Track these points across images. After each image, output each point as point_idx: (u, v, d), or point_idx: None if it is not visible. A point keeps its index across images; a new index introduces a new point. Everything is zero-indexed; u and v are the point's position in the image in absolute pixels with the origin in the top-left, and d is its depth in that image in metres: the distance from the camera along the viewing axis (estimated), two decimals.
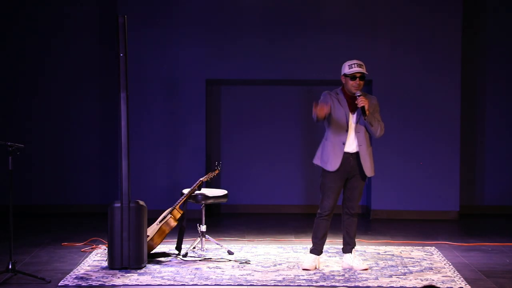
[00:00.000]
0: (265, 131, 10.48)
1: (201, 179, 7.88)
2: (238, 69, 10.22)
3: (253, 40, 10.15)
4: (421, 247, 8.32)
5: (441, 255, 7.93)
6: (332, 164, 7.18)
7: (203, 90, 10.22)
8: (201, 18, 10.15)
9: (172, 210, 7.80)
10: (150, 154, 10.19)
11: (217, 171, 7.97)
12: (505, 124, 10.58)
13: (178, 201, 7.85)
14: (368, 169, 7.24)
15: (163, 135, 10.21)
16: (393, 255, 7.93)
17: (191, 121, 10.22)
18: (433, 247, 8.31)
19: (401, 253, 8.04)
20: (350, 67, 7.16)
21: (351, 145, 7.20)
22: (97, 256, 7.81)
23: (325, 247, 7.54)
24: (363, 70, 7.16)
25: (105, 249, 7.85)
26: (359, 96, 7.11)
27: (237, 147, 10.53)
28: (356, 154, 7.18)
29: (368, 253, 8.00)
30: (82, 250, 8.14)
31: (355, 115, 7.18)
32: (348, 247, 7.35)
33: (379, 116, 7.24)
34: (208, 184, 8.90)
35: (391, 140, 10.14)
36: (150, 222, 7.73)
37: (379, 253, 8.00)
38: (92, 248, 8.15)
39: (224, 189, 8.69)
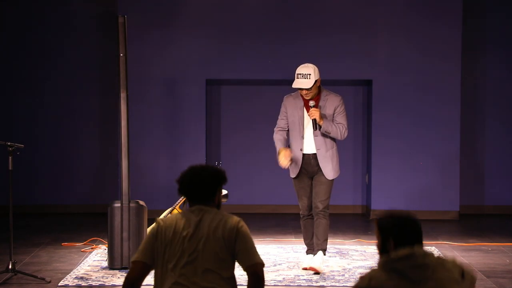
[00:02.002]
0: (265, 131, 10.46)
1: None
2: (238, 69, 10.22)
3: (253, 40, 10.15)
4: None
5: (441, 255, 7.92)
6: (293, 170, 7.21)
7: (203, 90, 10.22)
8: (201, 18, 10.15)
9: (172, 210, 7.80)
10: (150, 154, 10.19)
11: None
12: (505, 124, 10.59)
13: (178, 201, 7.85)
14: (329, 172, 7.12)
15: (163, 135, 10.22)
16: None
17: (191, 121, 10.22)
18: (433, 247, 8.31)
19: None
20: (295, 79, 7.08)
21: (309, 146, 7.14)
22: (97, 256, 7.81)
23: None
24: (304, 84, 7.03)
25: (105, 249, 7.85)
26: (312, 107, 7.04)
27: (237, 147, 10.53)
28: (316, 155, 7.12)
29: (368, 253, 8.00)
30: (82, 250, 8.14)
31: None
32: (315, 249, 7.21)
33: (341, 119, 7.11)
34: None
35: (391, 140, 10.14)
36: (150, 222, 7.73)
37: None
38: (92, 248, 8.15)
39: (224, 189, 8.68)
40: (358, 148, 10.54)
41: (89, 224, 9.61)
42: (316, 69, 7.19)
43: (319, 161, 7.11)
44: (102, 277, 7.00)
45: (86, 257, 7.79)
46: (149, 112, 10.19)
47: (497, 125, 10.60)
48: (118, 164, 8.73)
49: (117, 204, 7.23)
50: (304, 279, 6.95)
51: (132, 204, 7.22)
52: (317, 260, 7.12)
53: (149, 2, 10.14)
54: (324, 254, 7.19)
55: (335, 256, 7.82)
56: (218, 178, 4.21)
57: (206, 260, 4.06)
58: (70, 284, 6.76)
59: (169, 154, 10.16)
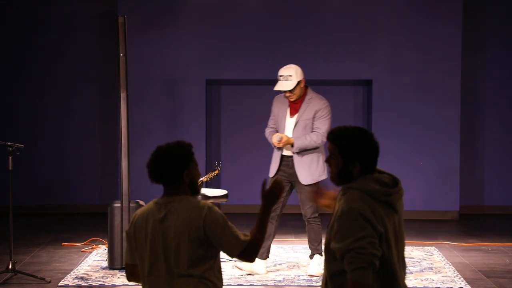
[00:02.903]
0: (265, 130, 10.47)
1: (201, 179, 7.87)
2: (238, 69, 10.22)
3: (253, 40, 10.15)
4: (421, 247, 8.32)
5: (441, 255, 7.93)
6: (271, 169, 7.18)
7: (203, 90, 10.22)
8: (201, 18, 10.15)
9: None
10: (150, 154, 10.17)
11: (217, 171, 7.96)
12: (505, 124, 10.58)
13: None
14: (304, 177, 7.00)
15: (163, 135, 10.20)
16: None
17: (191, 121, 10.22)
18: (433, 247, 8.31)
19: None
20: (277, 81, 7.03)
21: (289, 149, 7.08)
22: (97, 256, 7.81)
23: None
24: (285, 86, 6.99)
25: (105, 249, 7.85)
26: (277, 141, 7.01)
27: (237, 147, 10.53)
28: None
29: None
30: (82, 250, 8.14)
31: (293, 119, 7.07)
32: (311, 253, 7.19)
33: (320, 123, 7.01)
34: (208, 184, 8.90)
35: (391, 140, 10.14)
36: None
37: None
38: (92, 248, 8.15)
39: (224, 189, 8.68)
40: None
41: (89, 224, 9.61)
42: (299, 70, 7.09)
43: (294, 165, 7.03)
44: (102, 277, 7.00)
45: (86, 257, 7.79)
46: (149, 112, 10.19)
47: (497, 125, 10.59)
48: (118, 164, 8.73)
49: (117, 204, 7.23)
50: (304, 279, 6.95)
51: (132, 204, 7.22)
52: (313, 265, 7.11)
53: (149, 2, 10.14)
54: (321, 255, 7.14)
55: None
56: (180, 157, 3.89)
57: (174, 264, 3.81)
58: (70, 284, 6.76)
59: None
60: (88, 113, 10.54)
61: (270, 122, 7.33)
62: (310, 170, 7.00)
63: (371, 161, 3.63)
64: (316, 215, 7.11)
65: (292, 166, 7.05)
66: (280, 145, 7.03)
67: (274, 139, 7.06)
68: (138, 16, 9.96)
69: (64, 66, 10.46)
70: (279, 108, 7.20)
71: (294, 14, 10.15)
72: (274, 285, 6.78)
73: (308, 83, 10.48)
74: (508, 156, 10.60)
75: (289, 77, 7.01)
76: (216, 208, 3.87)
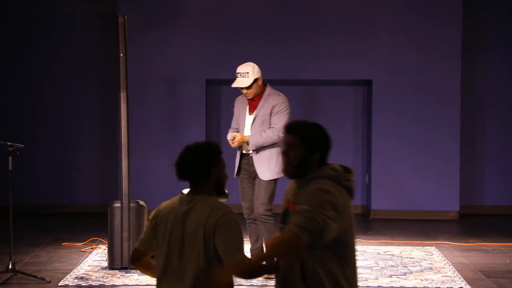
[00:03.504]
0: None
1: None
2: None
3: (252, 40, 10.15)
4: (421, 247, 8.32)
5: (441, 255, 7.93)
6: (235, 170, 7.14)
7: (203, 90, 10.22)
8: (201, 18, 10.15)
9: None
10: (150, 154, 10.19)
11: None
12: (505, 124, 10.58)
13: None
14: (263, 172, 6.94)
15: (163, 135, 10.22)
16: (393, 255, 7.93)
17: (191, 121, 10.22)
18: (433, 247, 8.31)
19: (401, 253, 8.04)
20: (235, 78, 7.05)
21: (246, 147, 7.05)
22: (97, 256, 7.81)
23: None
24: (242, 82, 7.00)
25: (105, 249, 7.84)
26: (230, 140, 7.01)
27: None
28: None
29: (368, 253, 8.00)
30: (82, 250, 8.14)
31: (251, 118, 7.05)
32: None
33: (277, 119, 6.95)
34: None
35: (391, 140, 10.14)
36: None
37: (379, 253, 8.00)
38: (92, 248, 8.15)
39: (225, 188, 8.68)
40: (358, 148, 10.54)
41: (89, 224, 9.61)
42: (256, 67, 7.12)
43: (254, 161, 6.98)
44: (102, 277, 7.00)
45: (86, 257, 7.79)
46: (149, 112, 10.19)
47: (497, 125, 10.60)
48: (118, 164, 8.73)
49: (117, 204, 7.23)
50: None
51: (132, 204, 7.21)
52: None
53: (149, 2, 10.15)
54: None
55: None
56: (209, 153, 3.91)
57: (188, 261, 3.84)
58: (70, 284, 6.76)
59: (169, 154, 10.15)
60: (88, 113, 10.54)
61: (233, 123, 7.33)
62: (270, 166, 6.95)
63: (327, 153, 3.84)
64: (269, 213, 6.96)
65: (252, 164, 7.02)
66: (235, 144, 7.02)
67: (228, 138, 7.05)
68: (138, 16, 9.96)
69: (64, 66, 10.47)
70: (240, 107, 7.22)
71: (294, 14, 10.15)
72: (274, 285, 6.76)
73: (308, 83, 10.54)
74: (508, 156, 10.60)
75: (247, 74, 7.05)
76: (235, 215, 3.89)
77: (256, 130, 7.00)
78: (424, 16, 10.12)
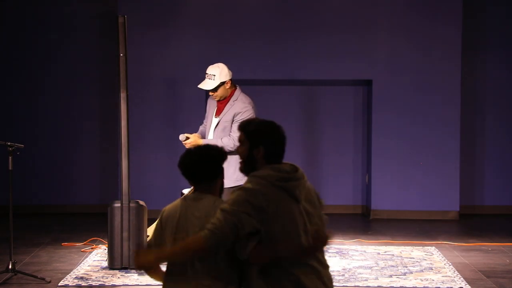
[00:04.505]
0: None
1: None
2: (238, 69, 10.19)
3: (252, 40, 10.15)
4: (421, 247, 8.32)
5: (441, 255, 7.93)
6: None
7: (203, 90, 10.19)
8: (201, 18, 10.15)
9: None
10: (150, 154, 10.19)
11: None
12: (505, 124, 10.58)
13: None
14: (226, 179, 6.88)
15: (163, 135, 10.21)
16: (393, 255, 7.93)
17: (191, 121, 10.20)
18: (433, 247, 8.31)
19: (401, 253, 8.04)
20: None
21: None
22: (97, 256, 7.81)
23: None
24: (207, 85, 6.95)
25: (105, 249, 7.84)
26: (183, 140, 6.96)
27: None
28: None
29: (368, 253, 8.00)
30: (82, 250, 8.14)
31: (216, 121, 7.01)
32: None
33: (235, 127, 6.85)
34: None
35: (391, 140, 10.14)
36: (150, 222, 7.73)
37: (379, 253, 8.00)
38: (92, 248, 8.15)
39: None
40: (358, 148, 10.54)
41: (89, 224, 9.61)
42: (225, 70, 7.03)
43: None
44: (102, 277, 7.00)
45: (86, 257, 7.79)
46: (149, 112, 10.19)
47: (497, 125, 10.60)
48: (118, 164, 8.73)
49: (117, 204, 7.23)
50: None
51: (132, 204, 7.21)
52: None
53: (149, 2, 10.14)
54: None
55: (335, 256, 7.82)
56: (221, 157, 3.99)
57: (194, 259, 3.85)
58: (70, 284, 6.76)
59: (169, 154, 10.15)
60: (88, 113, 10.54)
61: (204, 122, 7.31)
62: (228, 174, 6.82)
63: (274, 149, 3.79)
64: None
65: None
66: (187, 145, 6.98)
67: (179, 138, 7.03)
68: (138, 16, 9.96)
69: (64, 66, 10.46)
70: (210, 107, 7.19)
71: (294, 14, 10.15)
72: None
73: (308, 83, 10.54)
74: (508, 156, 10.60)
75: (213, 76, 6.99)
76: None
77: (217, 135, 6.96)
78: (424, 16, 10.12)
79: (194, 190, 4.03)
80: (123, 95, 7.27)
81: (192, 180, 4.01)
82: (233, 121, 6.93)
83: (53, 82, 10.47)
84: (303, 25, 10.14)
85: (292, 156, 10.83)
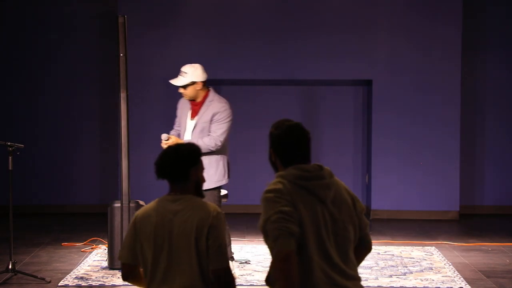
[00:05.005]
0: (265, 131, 10.42)
1: None
2: (238, 69, 10.22)
3: (252, 40, 10.15)
4: (421, 247, 8.32)
5: (441, 255, 7.93)
6: None
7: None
8: (201, 18, 10.15)
9: None
10: (150, 154, 10.14)
11: None
12: (505, 124, 10.59)
13: None
14: (208, 179, 6.68)
15: None
16: (393, 255, 7.93)
17: None
18: (433, 247, 8.31)
19: (401, 253, 8.04)
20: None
21: None
22: (97, 256, 7.81)
23: None
24: (178, 81, 6.96)
25: (105, 249, 7.84)
26: (164, 140, 6.93)
27: (237, 147, 10.52)
28: None
29: None
30: (82, 250, 8.14)
31: (193, 123, 6.99)
32: None
33: (215, 127, 6.87)
34: None
35: (391, 140, 10.14)
36: None
37: (379, 253, 7.99)
38: (92, 248, 8.15)
39: (224, 189, 8.68)
40: (358, 148, 10.54)
41: (89, 224, 9.61)
42: (199, 71, 7.04)
43: None
44: (102, 277, 7.00)
45: (86, 257, 7.79)
46: (149, 112, 10.18)
47: (497, 125, 10.60)
48: (118, 164, 8.73)
49: (117, 204, 7.23)
50: None
51: (132, 204, 7.21)
52: None
53: (149, 2, 10.15)
54: (232, 261, 6.93)
55: None
56: (188, 153, 3.91)
57: (179, 262, 3.79)
58: (70, 284, 6.76)
59: None
60: (88, 113, 10.54)
61: (175, 125, 7.28)
62: (208, 175, 6.72)
63: (287, 154, 3.67)
64: (219, 217, 6.80)
65: None
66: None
67: (162, 137, 6.98)
68: (138, 16, 9.96)
69: (64, 66, 10.46)
70: (182, 109, 7.16)
71: (294, 14, 10.15)
72: None
73: (308, 83, 10.54)
74: (508, 156, 10.60)
75: (185, 74, 7.01)
76: (223, 214, 3.90)
77: (195, 137, 6.94)
78: (424, 16, 10.12)
79: (170, 191, 3.96)
80: (123, 95, 7.27)
81: (166, 179, 3.95)
82: (211, 121, 6.91)
83: (53, 82, 10.47)
84: (303, 25, 10.14)
85: None
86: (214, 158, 6.92)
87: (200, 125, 6.95)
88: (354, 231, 3.67)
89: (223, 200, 8.10)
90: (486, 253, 8.18)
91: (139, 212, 3.95)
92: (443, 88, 10.15)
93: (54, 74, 10.47)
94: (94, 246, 8.23)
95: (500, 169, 10.62)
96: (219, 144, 6.90)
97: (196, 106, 7.02)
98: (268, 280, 3.62)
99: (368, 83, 10.37)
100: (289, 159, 3.66)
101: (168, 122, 10.22)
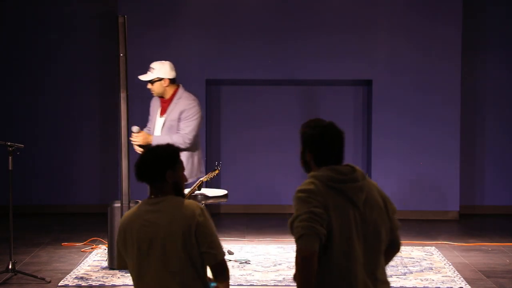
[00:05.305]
0: (265, 131, 10.48)
1: (201, 179, 7.86)
2: (238, 69, 10.22)
3: (252, 40, 10.15)
4: (421, 247, 8.32)
5: (441, 255, 7.93)
6: None
7: (203, 90, 10.21)
8: (201, 18, 10.15)
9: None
10: None
11: (217, 171, 7.95)
12: (505, 124, 10.58)
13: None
14: None
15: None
16: None
17: None
18: (433, 247, 8.31)
19: (401, 253, 8.03)
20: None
21: None
22: (97, 256, 7.81)
23: None
24: (145, 76, 6.98)
25: (105, 249, 7.85)
26: (133, 132, 6.93)
27: (237, 147, 10.53)
28: None
29: None
30: (82, 250, 8.14)
31: (162, 120, 6.98)
32: None
33: (184, 124, 6.85)
34: (208, 184, 8.90)
35: (391, 140, 10.14)
36: None
37: None
38: (92, 248, 8.15)
39: (224, 189, 8.68)
40: (358, 148, 10.54)
41: (89, 224, 9.60)
42: (167, 68, 7.08)
43: None
44: (102, 277, 7.00)
45: (86, 257, 7.79)
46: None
47: (497, 125, 10.60)
48: (118, 164, 8.73)
49: (117, 204, 7.23)
50: None
51: (132, 204, 7.21)
52: None
53: (149, 2, 10.14)
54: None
55: None
56: (163, 156, 3.92)
57: (166, 264, 3.78)
58: (70, 284, 6.76)
59: None
60: (88, 113, 10.54)
61: (148, 123, 7.28)
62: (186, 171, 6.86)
63: (322, 152, 3.65)
64: None
65: None
66: (136, 140, 6.89)
67: (132, 129, 6.98)
68: (138, 16, 9.96)
69: (64, 66, 10.46)
70: (154, 107, 7.20)
71: (294, 14, 10.15)
72: (274, 285, 6.77)
73: (308, 83, 10.54)
74: (508, 156, 10.60)
75: (153, 69, 7.07)
76: (206, 210, 3.90)
77: (164, 135, 6.94)
78: (424, 16, 10.12)
79: (150, 193, 3.95)
80: (123, 95, 7.27)
81: (145, 182, 3.96)
82: (179, 119, 6.88)
83: (53, 82, 10.47)
84: (303, 25, 10.14)
85: (292, 156, 10.85)
86: (184, 155, 6.88)
87: (168, 123, 6.95)
88: (386, 233, 3.72)
89: (223, 200, 8.10)
90: (486, 253, 8.18)
91: (123, 218, 3.96)
92: (443, 88, 10.15)
93: (54, 74, 10.46)
94: (94, 246, 8.23)
95: (500, 169, 10.62)
96: (188, 141, 6.88)
97: (165, 104, 7.03)
98: (295, 278, 3.65)
99: (368, 83, 10.37)
100: (323, 159, 3.65)
101: None
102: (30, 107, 10.47)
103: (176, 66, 10.18)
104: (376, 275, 3.60)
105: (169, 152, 3.94)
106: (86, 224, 9.60)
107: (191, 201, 3.92)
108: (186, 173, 6.75)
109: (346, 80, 10.43)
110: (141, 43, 10.01)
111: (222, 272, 3.86)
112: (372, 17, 10.13)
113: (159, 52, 10.13)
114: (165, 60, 10.12)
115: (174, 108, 6.98)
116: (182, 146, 6.84)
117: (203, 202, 7.90)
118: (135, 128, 7.05)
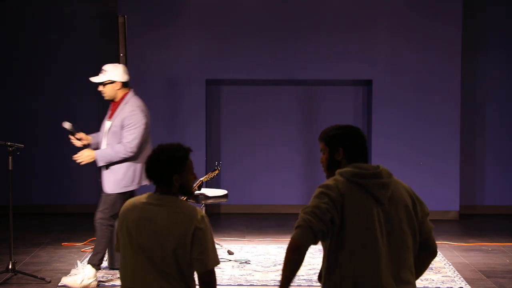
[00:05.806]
0: (265, 131, 10.48)
1: (201, 179, 7.88)
2: (238, 69, 10.22)
3: (253, 40, 10.15)
4: None
5: (441, 255, 7.93)
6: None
7: (203, 90, 10.22)
8: (201, 18, 10.15)
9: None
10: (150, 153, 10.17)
11: (217, 171, 7.96)
12: (505, 124, 10.59)
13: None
14: (107, 185, 6.67)
15: (163, 135, 10.20)
16: None
17: (190, 121, 10.21)
18: None
19: None
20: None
21: None
22: None
23: None
24: (95, 77, 6.87)
25: None
26: (65, 128, 6.84)
27: (237, 147, 10.53)
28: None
29: None
30: (82, 250, 8.14)
31: (108, 124, 6.84)
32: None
33: (126, 132, 6.66)
34: (208, 184, 8.90)
35: (391, 140, 10.14)
36: None
37: None
38: (92, 248, 8.14)
39: (224, 189, 8.68)
40: None
41: (89, 224, 9.58)
42: (119, 71, 6.89)
43: (102, 173, 6.74)
44: (102, 277, 6.99)
45: (86, 257, 7.78)
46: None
47: (497, 125, 10.60)
48: None
49: None
50: (304, 279, 6.95)
51: None
52: (75, 275, 6.73)
53: (149, 2, 10.14)
54: (96, 269, 6.66)
55: None
56: (171, 161, 3.89)
57: (159, 264, 3.77)
58: (70, 285, 6.75)
59: None
60: (88, 113, 10.53)
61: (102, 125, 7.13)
62: (116, 179, 6.67)
63: (353, 149, 3.75)
64: (104, 221, 6.71)
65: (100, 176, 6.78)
66: (81, 160, 6.82)
67: (66, 126, 6.95)
68: (138, 16, 9.96)
69: (64, 66, 10.46)
70: (108, 109, 7.04)
71: (294, 14, 10.15)
72: (274, 285, 6.77)
73: (308, 83, 10.54)
74: (508, 156, 10.60)
75: (105, 71, 6.90)
76: (207, 218, 3.89)
77: (109, 139, 6.77)
78: (424, 16, 10.12)
79: (156, 189, 3.94)
80: None
81: (150, 180, 3.95)
82: (122, 126, 6.69)
83: (53, 82, 10.47)
84: (303, 25, 10.14)
85: (292, 156, 10.84)
86: (123, 164, 6.70)
87: (112, 129, 6.75)
88: (413, 234, 3.76)
89: (223, 200, 8.10)
90: (486, 253, 8.18)
91: (126, 204, 3.95)
92: (443, 88, 10.15)
93: (54, 74, 10.46)
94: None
95: (500, 169, 10.62)
96: (130, 150, 6.62)
97: (114, 107, 6.87)
98: (320, 278, 3.75)
99: (368, 83, 10.37)
100: (355, 155, 3.75)
101: (168, 122, 10.25)
102: (30, 107, 10.47)
103: (176, 66, 10.24)
104: (400, 275, 3.63)
105: (177, 156, 3.92)
106: (86, 224, 9.59)
107: (194, 206, 3.90)
108: (123, 180, 6.67)
109: (346, 80, 10.43)
110: (141, 43, 10.01)
111: (208, 282, 3.84)
112: (372, 17, 10.13)
113: (159, 52, 10.14)
114: (166, 60, 10.18)
115: (119, 114, 6.75)
116: (126, 156, 6.64)
117: (203, 202, 7.90)
118: (67, 124, 6.97)
